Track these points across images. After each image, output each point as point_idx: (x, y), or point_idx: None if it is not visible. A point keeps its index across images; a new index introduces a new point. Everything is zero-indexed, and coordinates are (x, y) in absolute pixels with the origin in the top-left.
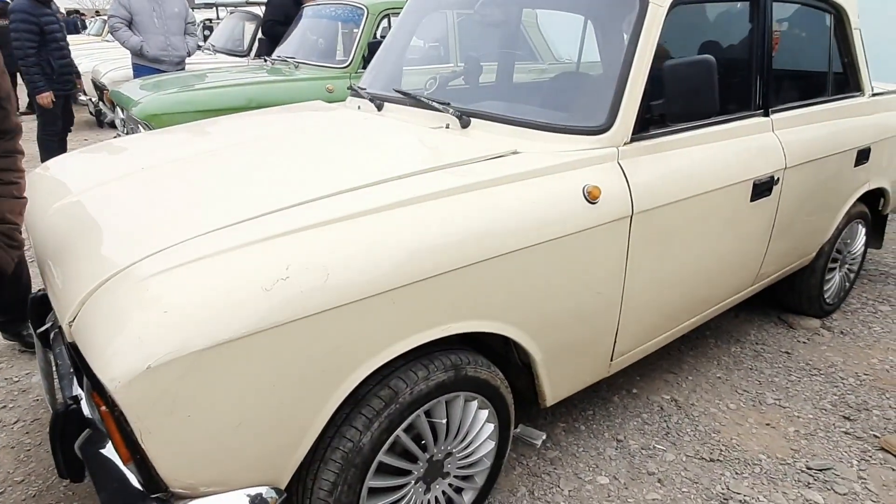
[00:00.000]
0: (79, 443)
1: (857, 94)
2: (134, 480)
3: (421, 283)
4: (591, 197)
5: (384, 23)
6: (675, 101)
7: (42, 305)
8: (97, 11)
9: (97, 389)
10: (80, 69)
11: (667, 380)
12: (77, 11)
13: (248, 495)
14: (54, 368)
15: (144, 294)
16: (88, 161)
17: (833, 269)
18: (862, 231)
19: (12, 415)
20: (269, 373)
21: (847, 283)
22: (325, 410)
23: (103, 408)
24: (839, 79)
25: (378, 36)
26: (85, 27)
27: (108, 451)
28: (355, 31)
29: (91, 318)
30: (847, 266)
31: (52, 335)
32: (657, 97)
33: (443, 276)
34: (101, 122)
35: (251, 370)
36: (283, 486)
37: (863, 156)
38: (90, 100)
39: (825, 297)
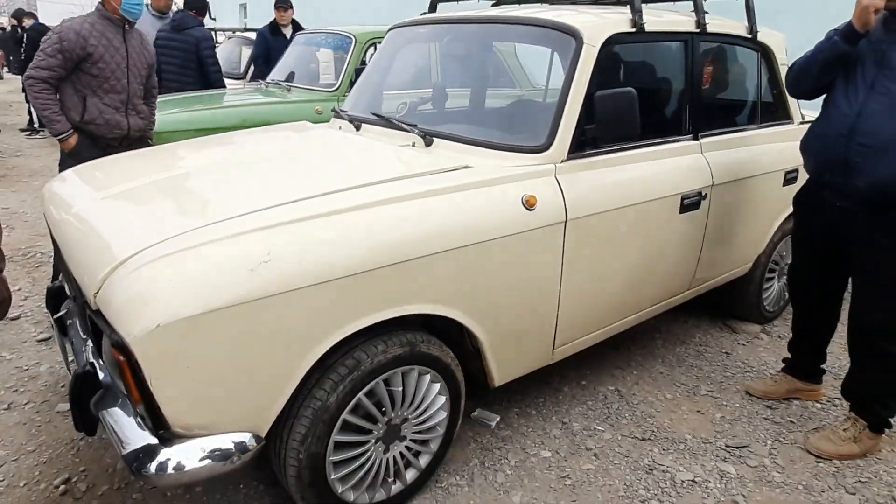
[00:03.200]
0: (93, 400)
1: (787, 121)
2: (140, 430)
3: (380, 270)
4: (529, 204)
5: (371, 50)
6: (602, 126)
7: (57, 296)
8: None
9: (116, 345)
10: None
11: (613, 374)
12: None
13: (234, 440)
14: (70, 346)
15: (154, 271)
16: (103, 170)
17: (771, 279)
18: None
19: (23, 397)
20: (251, 337)
21: (786, 293)
22: (298, 372)
23: (121, 358)
24: (770, 108)
25: (365, 62)
26: None
27: (120, 407)
28: (344, 57)
29: (113, 289)
30: (785, 276)
31: (67, 321)
32: (591, 122)
33: (399, 265)
34: None
35: (237, 333)
36: (262, 435)
37: (791, 176)
38: None
39: (765, 304)
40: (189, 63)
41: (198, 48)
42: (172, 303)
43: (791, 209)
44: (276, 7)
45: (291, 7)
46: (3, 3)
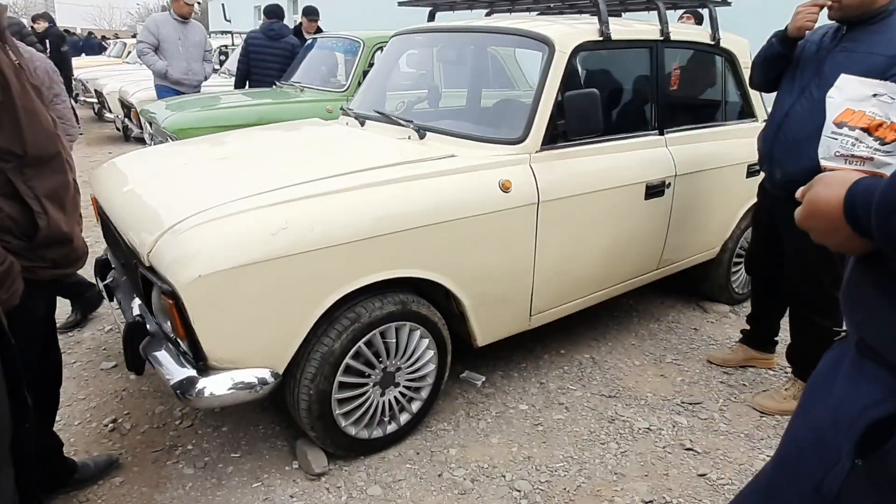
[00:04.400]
0: (142, 345)
1: (752, 119)
2: (179, 367)
3: (377, 238)
4: (504, 188)
5: (378, 53)
6: (571, 122)
7: (105, 266)
8: (116, 34)
9: (166, 293)
10: (107, 89)
11: (590, 344)
12: (91, 33)
13: (256, 375)
14: (119, 307)
15: (196, 234)
16: (144, 158)
17: (739, 264)
18: None
19: (71, 358)
20: (272, 288)
21: None
22: (309, 320)
23: (170, 301)
24: (735, 107)
25: (372, 64)
26: (104, 49)
27: (164, 350)
28: (353, 60)
29: (163, 249)
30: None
31: (113, 287)
32: (562, 118)
33: (393, 234)
34: (127, 136)
35: (261, 285)
36: (280, 372)
37: (754, 169)
38: (116, 117)
39: (733, 286)
40: (285, 68)
41: (293, 54)
42: (210, 259)
43: (753, 200)
44: (307, 16)
45: (318, 17)
46: (20, 5)
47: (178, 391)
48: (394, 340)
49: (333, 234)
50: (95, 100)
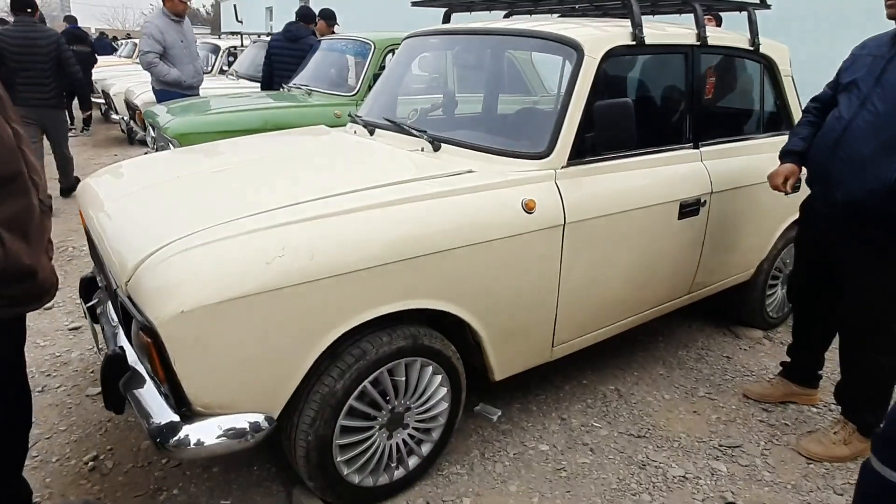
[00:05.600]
0: (122, 381)
1: (790, 131)
2: (165, 409)
3: (385, 266)
4: (528, 208)
5: (389, 56)
6: (601, 134)
7: (90, 285)
8: (129, 34)
9: (144, 328)
10: (114, 90)
11: (615, 374)
12: (103, 33)
13: (248, 420)
14: (101, 332)
15: (180, 262)
16: (134, 170)
17: (774, 286)
18: None
19: (56, 381)
20: (265, 324)
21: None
22: (308, 359)
23: (148, 340)
24: (772, 118)
25: (384, 68)
26: (115, 49)
27: (146, 388)
28: (364, 63)
29: (142, 278)
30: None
31: (98, 309)
32: (591, 130)
33: (403, 262)
34: (132, 139)
35: (253, 321)
36: (275, 416)
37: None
38: (122, 119)
39: (768, 310)
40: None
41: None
42: (195, 291)
43: (792, 217)
44: (326, 20)
45: (336, 22)
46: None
47: (157, 439)
48: (403, 378)
49: (337, 262)
50: (103, 100)
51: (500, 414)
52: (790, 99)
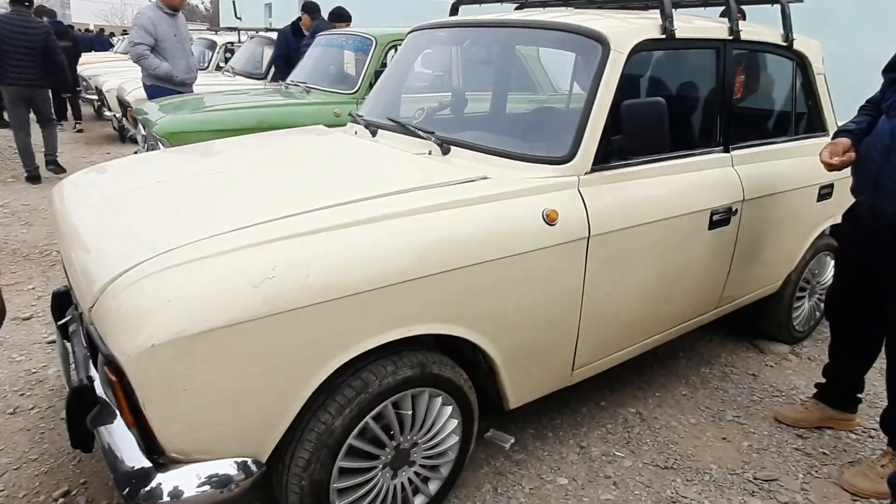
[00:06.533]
0: (90, 417)
1: (822, 133)
2: (137, 451)
3: (390, 287)
4: (550, 219)
5: (392, 52)
6: (630, 137)
7: (63, 301)
8: (125, 31)
9: (109, 364)
10: (107, 86)
11: (635, 395)
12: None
13: (233, 464)
14: (71, 355)
15: (152, 286)
16: (112, 173)
17: (801, 298)
18: (830, 262)
19: (29, 401)
20: (253, 357)
21: (817, 312)
22: (302, 395)
23: (113, 377)
24: (804, 119)
25: (385, 64)
26: (112, 45)
27: (117, 424)
28: (365, 59)
29: (108, 304)
30: (817, 296)
31: (70, 328)
32: (617, 133)
33: (410, 282)
34: (123, 137)
35: (239, 354)
36: (263, 460)
37: (826, 192)
38: (115, 116)
39: (794, 324)
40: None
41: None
42: (169, 321)
43: (823, 226)
44: (308, 13)
45: (319, 14)
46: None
47: (124, 490)
48: (410, 412)
49: (336, 284)
50: (96, 97)
51: (512, 441)
52: (822, 99)
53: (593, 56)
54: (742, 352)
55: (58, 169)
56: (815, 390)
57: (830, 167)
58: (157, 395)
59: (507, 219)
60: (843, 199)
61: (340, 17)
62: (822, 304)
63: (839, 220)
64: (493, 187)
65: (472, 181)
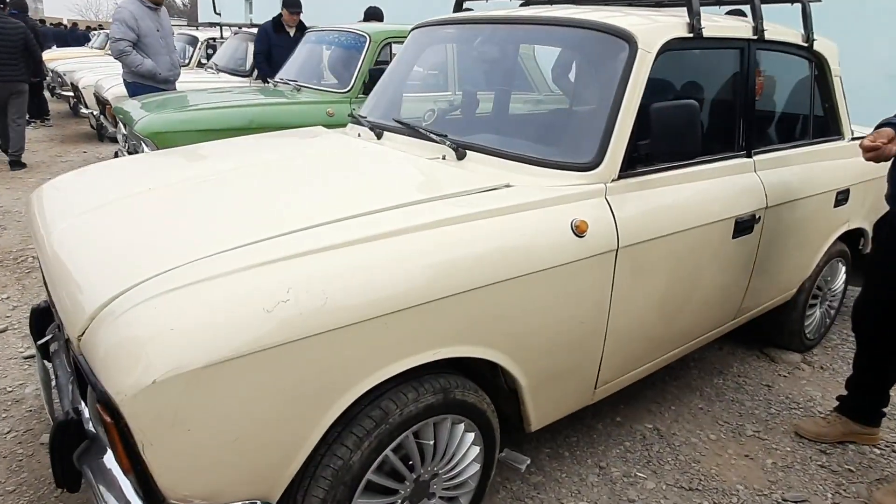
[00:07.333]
0: (77, 453)
1: (838, 137)
2: (131, 491)
3: (413, 308)
4: (579, 231)
5: (386, 50)
6: (660, 142)
7: (43, 317)
8: (100, 25)
9: (102, 401)
10: (83, 83)
11: (650, 409)
12: (76, 24)
13: None
14: (54, 380)
15: (151, 312)
16: (97, 179)
17: (814, 306)
18: (843, 269)
19: (5, 425)
20: (266, 390)
21: (828, 320)
22: (319, 428)
23: (107, 418)
24: (820, 122)
25: (379, 63)
26: (88, 40)
27: (108, 461)
28: (358, 57)
29: (100, 333)
30: (828, 303)
31: (52, 347)
32: (644, 137)
33: (434, 302)
34: (101, 135)
35: (250, 387)
36: (274, 502)
37: (842, 197)
38: (91, 113)
39: (806, 332)
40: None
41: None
42: (171, 353)
43: (838, 232)
44: (288, 8)
45: (301, 10)
46: None
47: None
48: (431, 442)
49: (356, 306)
50: (72, 94)
51: (528, 462)
52: (839, 102)
53: (620, 56)
54: (753, 361)
55: (17, 166)
56: (832, 402)
57: (872, 150)
58: (158, 437)
59: (537, 231)
60: (858, 205)
61: (375, 16)
62: (832, 312)
63: (853, 227)
64: (519, 196)
65: (496, 189)
